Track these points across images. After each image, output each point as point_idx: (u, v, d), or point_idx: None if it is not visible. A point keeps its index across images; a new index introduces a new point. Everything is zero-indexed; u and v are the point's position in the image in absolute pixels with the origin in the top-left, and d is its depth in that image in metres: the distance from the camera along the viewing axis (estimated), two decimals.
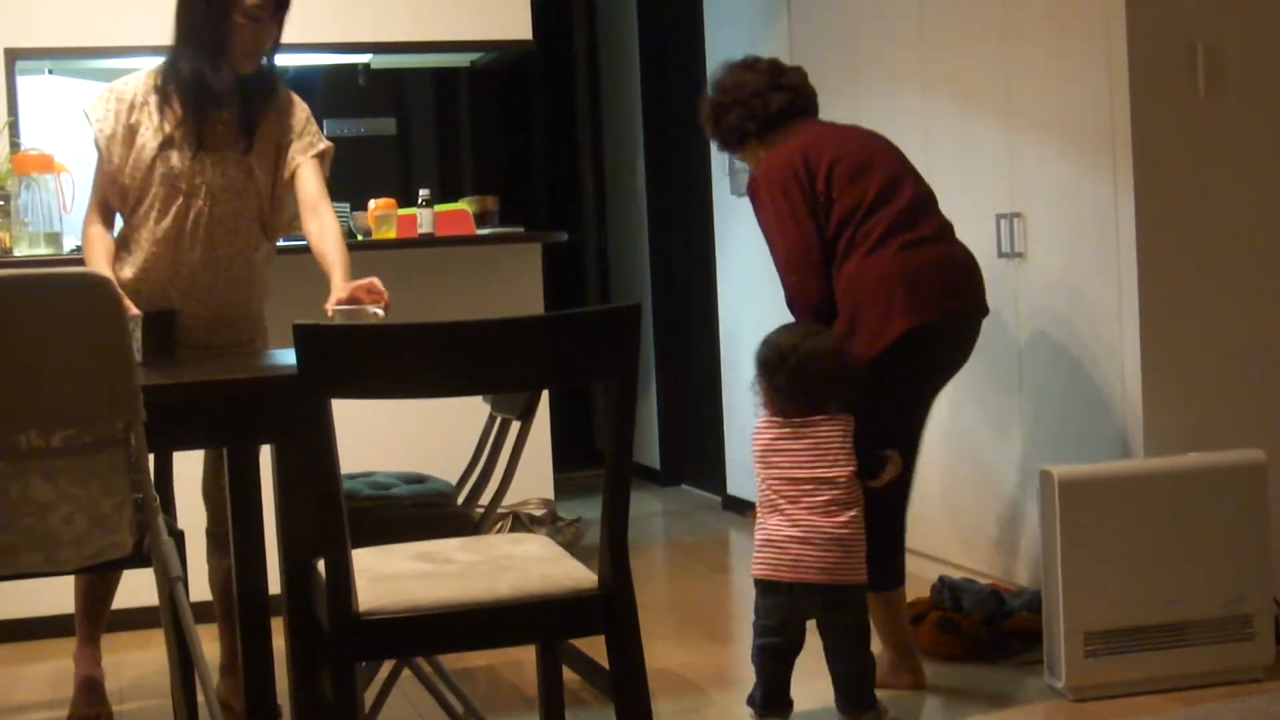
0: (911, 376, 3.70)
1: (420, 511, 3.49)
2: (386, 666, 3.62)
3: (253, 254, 3.63)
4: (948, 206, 3.92)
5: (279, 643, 3.06)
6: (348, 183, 4.11)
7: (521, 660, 4.11)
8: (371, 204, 4.82)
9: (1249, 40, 4.04)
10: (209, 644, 3.33)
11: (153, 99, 3.54)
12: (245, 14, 3.44)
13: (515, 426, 3.32)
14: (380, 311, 3.18)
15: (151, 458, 2.74)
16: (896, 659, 3.77)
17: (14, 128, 4.85)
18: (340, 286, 3.32)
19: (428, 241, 4.86)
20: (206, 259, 3.56)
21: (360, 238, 4.83)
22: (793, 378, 3.45)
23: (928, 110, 4.87)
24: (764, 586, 3.44)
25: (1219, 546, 3.68)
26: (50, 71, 5.13)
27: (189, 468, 3.70)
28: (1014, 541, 4.52)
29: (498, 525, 4.95)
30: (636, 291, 7.44)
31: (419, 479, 3.68)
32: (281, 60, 3.70)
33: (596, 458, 7.06)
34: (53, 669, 4.32)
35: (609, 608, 2.63)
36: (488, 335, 2.54)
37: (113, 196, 3.57)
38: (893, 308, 3.61)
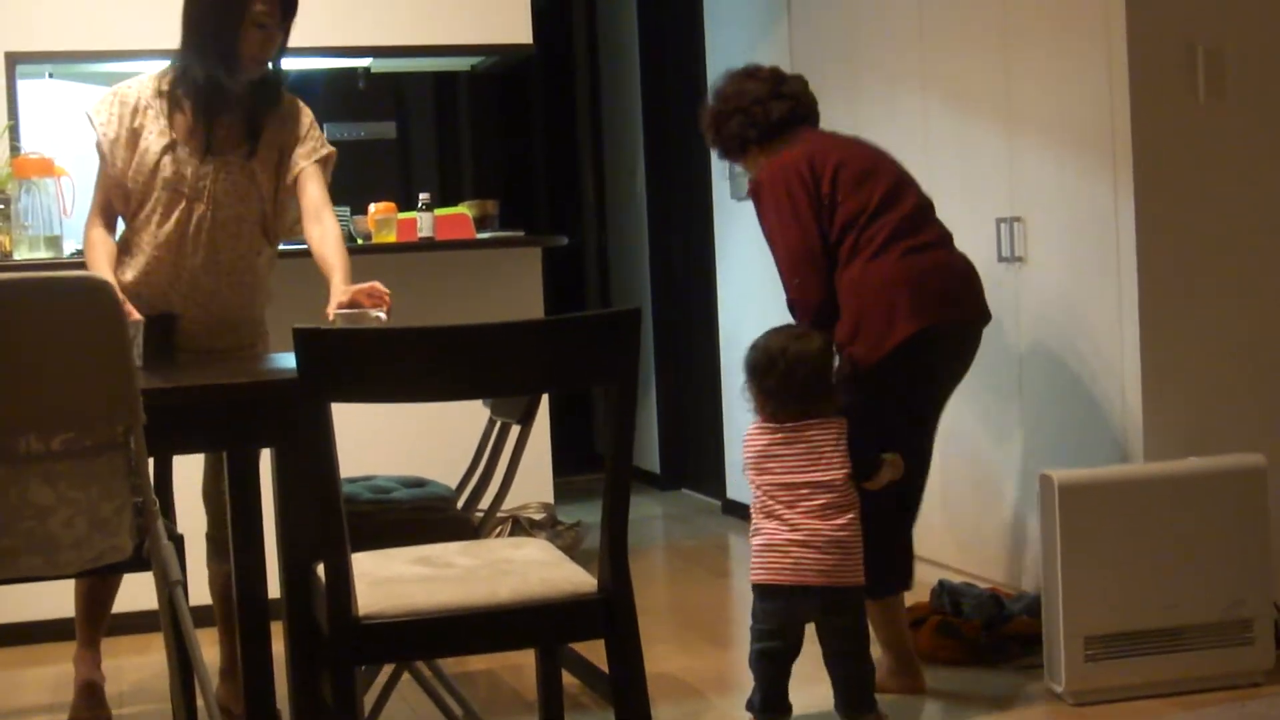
0: (914, 380, 3.70)
1: (420, 515, 3.49)
2: (386, 670, 3.62)
3: (255, 258, 3.64)
4: (947, 210, 3.93)
5: (279, 647, 3.06)
6: (348, 187, 4.12)
7: (521, 664, 4.11)
8: (371, 208, 4.83)
9: (1249, 43, 4.04)
10: (209, 648, 3.33)
11: (156, 103, 3.55)
12: (254, 21, 3.46)
13: (515, 430, 3.32)
14: (382, 315, 3.18)
15: (151, 461, 2.75)
16: (896, 664, 3.77)
17: (14, 131, 4.86)
18: (341, 289, 3.32)
19: (428, 245, 4.86)
20: (209, 263, 3.56)
21: (360, 241, 4.83)
22: (782, 381, 3.45)
23: (928, 113, 4.87)
24: (763, 591, 3.44)
25: (1219, 551, 3.68)
26: (51, 75, 5.13)
27: (189, 472, 3.70)
28: (1014, 546, 4.52)
29: (497, 529, 4.95)
30: (636, 295, 7.44)
31: (419, 483, 3.68)
32: (282, 64, 3.70)
33: (596, 462, 7.05)
34: (53, 673, 4.31)
35: (609, 612, 2.63)
36: (488, 339, 2.54)
37: (116, 200, 3.57)
38: (897, 312, 3.61)
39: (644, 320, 6.88)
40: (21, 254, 4.39)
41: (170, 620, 2.81)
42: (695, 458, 7.05)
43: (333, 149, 3.65)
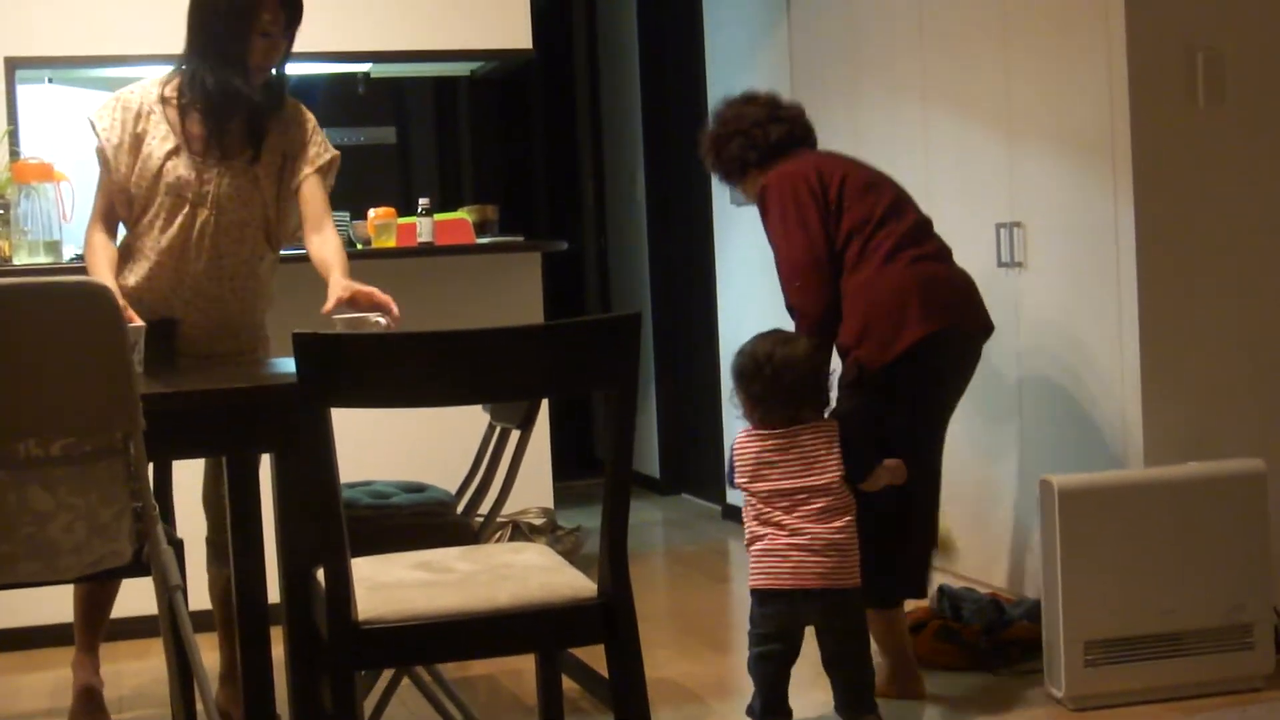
0: (920, 384, 3.71)
1: (420, 520, 3.49)
2: (386, 675, 3.62)
3: (258, 263, 3.64)
4: (947, 215, 3.94)
5: (278, 652, 3.06)
6: (347, 192, 4.12)
7: (521, 669, 4.11)
8: (371, 213, 4.83)
9: (1249, 48, 4.05)
10: (208, 653, 3.33)
11: (159, 108, 3.55)
12: (261, 30, 3.46)
13: (515, 435, 3.32)
14: (383, 320, 3.17)
15: (151, 466, 2.74)
16: (896, 669, 3.77)
17: (14, 136, 4.86)
18: (340, 284, 3.31)
19: (427, 250, 4.87)
20: (212, 269, 3.56)
21: (360, 247, 4.83)
22: (769, 386, 3.46)
23: (927, 118, 4.87)
24: (763, 596, 3.44)
25: (1219, 556, 3.68)
26: (50, 80, 5.13)
27: (189, 476, 3.70)
28: (1013, 550, 4.52)
29: (497, 534, 4.95)
30: (636, 300, 7.44)
31: (418, 488, 3.68)
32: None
33: (596, 466, 7.07)
34: (52, 678, 4.31)
35: (608, 617, 2.62)
36: (487, 344, 2.54)
37: (120, 205, 3.57)
38: (907, 317, 3.64)
39: (644, 325, 6.89)
40: (21, 259, 4.39)
41: (170, 625, 2.81)
42: (695, 463, 7.05)
43: (336, 152, 3.66)
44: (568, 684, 3.02)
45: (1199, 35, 4.00)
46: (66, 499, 2.55)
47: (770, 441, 3.46)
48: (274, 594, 3.01)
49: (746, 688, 3.53)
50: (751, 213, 4.00)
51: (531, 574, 2.70)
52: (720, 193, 6.32)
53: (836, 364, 3.76)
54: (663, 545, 6.19)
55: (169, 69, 3.60)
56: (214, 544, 3.71)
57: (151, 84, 3.59)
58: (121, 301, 3.09)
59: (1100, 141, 4.07)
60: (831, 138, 5.10)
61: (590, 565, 2.73)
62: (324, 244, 3.50)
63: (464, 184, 8.07)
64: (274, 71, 3.58)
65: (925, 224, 3.85)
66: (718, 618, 4.97)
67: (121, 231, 3.65)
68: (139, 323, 3.23)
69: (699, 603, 5.13)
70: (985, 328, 3.85)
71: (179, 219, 3.53)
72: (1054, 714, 3.64)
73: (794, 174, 3.79)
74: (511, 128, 8.31)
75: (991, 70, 4.54)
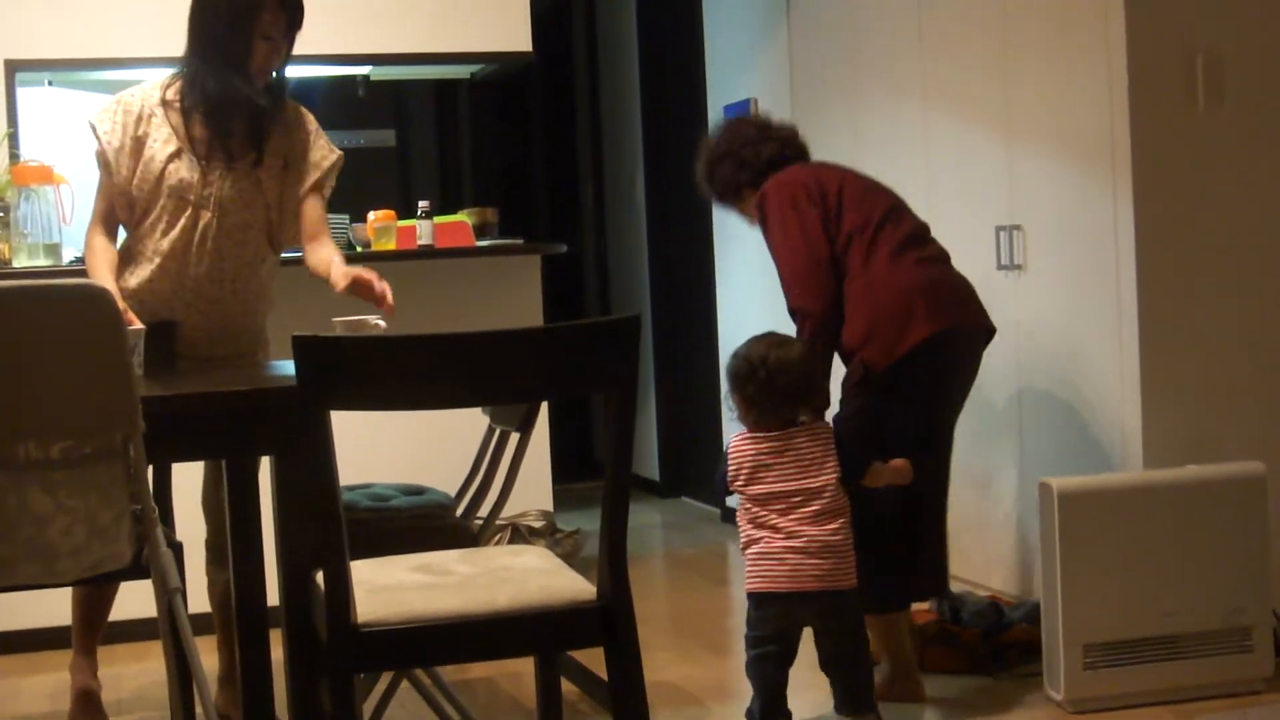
0: (925, 384, 3.71)
1: (419, 523, 3.49)
2: (385, 678, 3.61)
3: (259, 266, 3.64)
4: (947, 218, 3.94)
5: (277, 654, 3.06)
6: (347, 194, 4.12)
7: (520, 672, 4.11)
8: (371, 216, 4.83)
9: (1248, 50, 4.05)
10: (207, 656, 3.33)
11: (160, 111, 3.55)
12: (262, 34, 3.47)
13: (514, 438, 3.32)
14: (382, 323, 3.18)
15: (151, 469, 2.74)
16: (895, 672, 3.77)
17: (14, 139, 4.86)
18: (343, 269, 3.36)
19: (427, 253, 4.87)
20: (213, 271, 3.57)
21: (359, 249, 4.83)
22: (763, 388, 3.46)
23: (927, 120, 4.87)
24: (760, 599, 3.44)
25: (1218, 558, 3.68)
26: (50, 83, 5.13)
27: (188, 479, 3.70)
28: (1013, 553, 4.52)
29: (496, 537, 4.95)
30: (636, 302, 7.44)
31: (418, 490, 3.68)
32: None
33: (596, 469, 7.06)
34: (51, 681, 4.31)
35: (608, 619, 2.62)
36: (487, 347, 2.54)
37: (120, 208, 3.58)
38: (914, 316, 3.65)
39: (643, 327, 6.88)
40: (21, 261, 4.39)
41: (169, 628, 2.81)
42: (695, 465, 7.05)
43: (340, 154, 3.68)
44: (567, 687, 3.03)
45: (1199, 37, 4.00)
46: (66, 501, 2.55)
47: (766, 444, 3.46)
48: (273, 596, 3.01)
49: (746, 690, 3.53)
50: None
51: (531, 576, 2.70)
52: None
53: (838, 365, 3.76)
54: (662, 548, 6.19)
55: (169, 72, 3.60)
56: (213, 547, 3.71)
57: (152, 87, 3.59)
58: (121, 304, 3.09)
59: (1100, 143, 4.07)
60: (831, 139, 5.11)
61: (590, 568, 2.73)
62: (320, 248, 3.55)
63: (464, 187, 8.07)
64: (274, 74, 3.58)
65: (923, 228, 3.87)
66: (717, 620, 4.97)
67: (121, 234, 3.65)
68: (138, 325, 3.23)
69: (698, 605, 5.13)
70: (988, 329, 3.86)
71: (181, 221, 3.54)
72: (1053, 717, 3.64)
73: (791, 181, 3.82)
74: (511, 130, 8.31)
75: (991, 72, 4.54)
